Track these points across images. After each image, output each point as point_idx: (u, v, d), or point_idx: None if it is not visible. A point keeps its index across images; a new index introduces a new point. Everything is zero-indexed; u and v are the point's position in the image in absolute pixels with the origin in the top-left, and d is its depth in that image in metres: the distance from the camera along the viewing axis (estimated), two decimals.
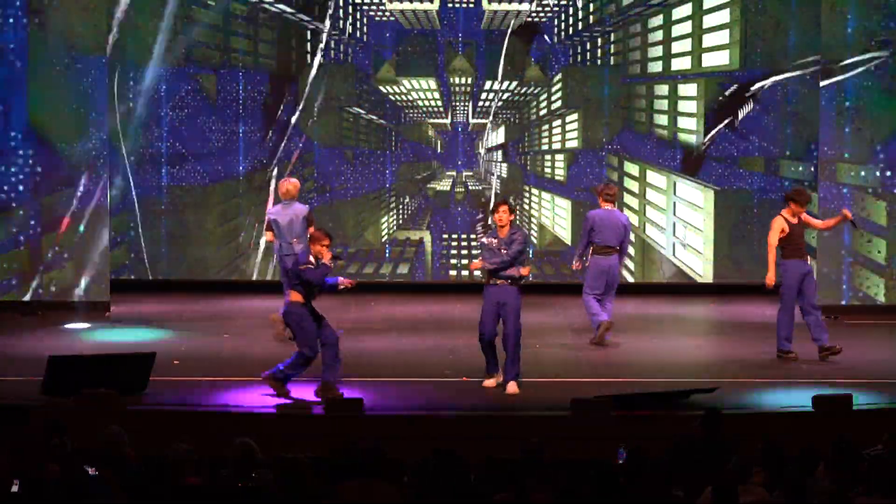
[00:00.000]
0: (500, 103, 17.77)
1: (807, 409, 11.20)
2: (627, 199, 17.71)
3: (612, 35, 17.70)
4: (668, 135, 17.72)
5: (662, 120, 17.80)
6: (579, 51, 17.69)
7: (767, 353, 13.43)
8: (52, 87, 15.38)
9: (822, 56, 16.00)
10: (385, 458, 7.83)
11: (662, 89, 17.78)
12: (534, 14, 17.59)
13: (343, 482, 7.58)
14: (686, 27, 17.55)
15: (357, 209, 17.87)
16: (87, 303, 15.60)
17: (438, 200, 18.01)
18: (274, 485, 7.55)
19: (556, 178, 17.91)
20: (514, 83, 17.78)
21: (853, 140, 15.75)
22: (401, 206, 17.97)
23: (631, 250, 17.66)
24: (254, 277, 17.58)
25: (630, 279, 17.58)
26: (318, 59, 17.42)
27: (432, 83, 17.78)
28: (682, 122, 17.70)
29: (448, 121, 17.91)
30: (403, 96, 17.79)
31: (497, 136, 17.96)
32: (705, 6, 17.47)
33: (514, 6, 17.54)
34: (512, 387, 11.90)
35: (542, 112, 17.89)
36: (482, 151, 17.93)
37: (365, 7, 17.53)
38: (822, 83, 15.88)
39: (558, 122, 17.86)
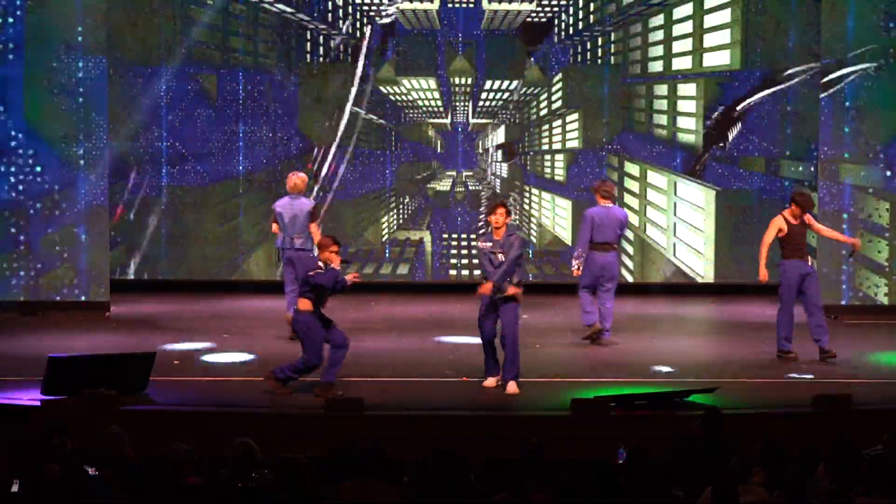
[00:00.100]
0: (500, 103, 17.78)
1: (807, 409, 11.20)
2: (628, 199, 17.71)
3: (613, 35, 17.69)
4: (667, 135, 17.72)
5: (662, 120, 17.81)
6: (579, 51, 17.69)
7: (767, 353, 13.43)
8: (51, 86, 15.38)
9: (823, 56, 16.00)
10: (385, 458, 7.83)
11: (663, 89, 17.78)
12: (534, 14, 17.59)
13: (343, 482, 7.58)
14: (687, 27, 17.55)
15: (357, 209, 17.87)
16: (87, 303, 15.61)
17: (438, 200, 18.01)
18: (274, 485, 7.55)
19: (556, 178, 17.92)
20: (515, 83, 17.79)
21: (853, 140, 15.75)
22: (401, 206, 17.97)
23: (629, 248, 17.69)
24: (254, 277, 17.58)
25: (630, 279, 17.58)
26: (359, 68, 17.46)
27: (432, 83, 17.79)
28: (683, 123, 17.69)
29: (448, 121, 17.91)
30: (403, 96, 17.79)
31: (497, 136, 17.96)
32: (706, 6, 17.47)
33: (515, 6, 17.55)
34: (512, 387, 11.89)
35: (543, 112, 17.89)
36: (490, 150, 17.92)
37: (365, 7, 17.53)
38: (823, 84, 15.90)
39: (558, 122, 17.86)
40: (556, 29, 17.66)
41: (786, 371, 12.82)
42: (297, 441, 9.77)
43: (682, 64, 17.62)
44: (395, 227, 17.98)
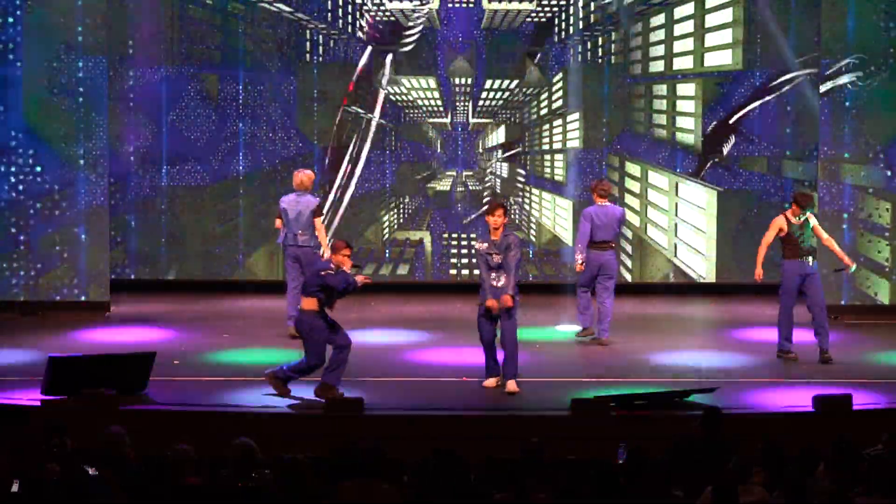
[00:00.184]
0: (500, 103, 17.77)
1: (807, 409, 11.20)
2: (629, 199, 17.70)
3: (613, 34, 17.68)
4: (668, 135, 17.70)
5: (663, 120, 17.79)
6: (579, 50, 17.68)
7: (767, 353, 13.43)
8: (51, 86, 15.38)
9: (823, 56, 15.99)
10: (385, 458, 7.84)
11: (663, 89, 17.77)
12: (534, 14, 17.58)
13: (343, 482, 7.59)
14: (688, 26, 17.54)
15: (357, 209, 17.85)
16: (87, 303, 15.61)
17: (438, 200, 18.00)
18: (274, 485, 7.56)
19: (556, 178, 17.91)
20: (515, 83, 17.78)
21: (853, 140, 15.75)
22: (401, 206, 17.96)
23: (628, 247, 17.68)
24: (254, 277, 17.57)
25: (629, 278, 17.57)
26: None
27: (432, 83, 17.78)
28: (684, 123, 17.68)
29: (448, 121, 17.90)
30: (403, 96, 17.78)
31: (497, 136, 17.95)
32: (707, 5, 17.46)
33: (515, 6, 17.54)
34: (511, 385, 11.91)
35: (543, 112, 17.88)
36: (495, 153, 17.92)
37: (365, 7, 17.51)
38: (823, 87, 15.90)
39: (559, 121, 17.85)
40: (556, 29, 17.64)
41: (786, 371, 12.83)
42: (297, 441, 9.78)
43: (683, 64, 17.60)
44: (395, 227, 17.97)
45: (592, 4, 17.58)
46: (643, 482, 7.48)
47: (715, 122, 17.41)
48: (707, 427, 9.20)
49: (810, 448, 8.08)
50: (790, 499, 7.43)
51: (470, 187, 18.01)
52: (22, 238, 15.50)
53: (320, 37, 17.54)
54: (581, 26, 17.60)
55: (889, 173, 15.72)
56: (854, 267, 13.93)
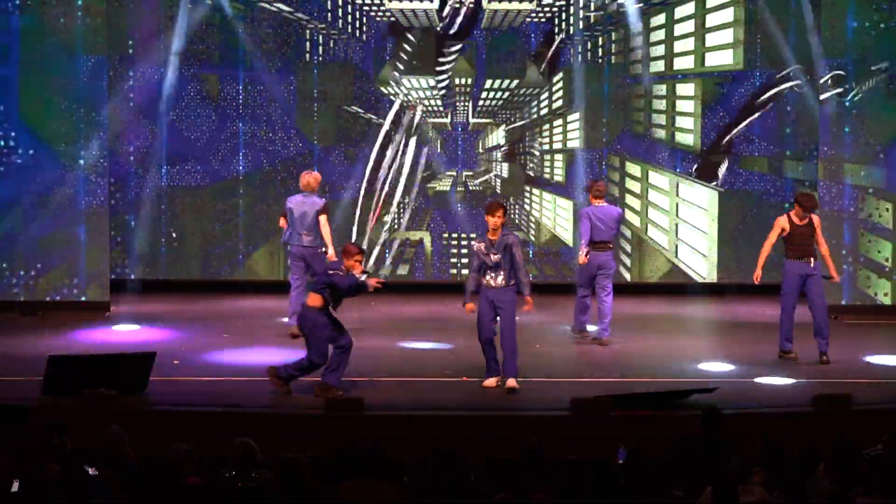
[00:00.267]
0: (500, 103, 17.77)
1: (807, 409, 11.20)
2: (629, 199, 17.70)
3: (613, 34, 17.68)
4: (667, 136, 17.70)
5: (663, 120, 17.79)
6: (580, 50, 17.68)
7: (767, 353, 13.43)
8: (50, 86, 15.38)
9: (824, 56, 16.00)
10: (385, 458, 7.84)
11: (664, 89, 17.77)
12: (534, 14, 17.58)
13: (343, 482, 7.58)
14: (689, 26, 17.53)
15: (356, 209, 17.84)
16: (87, 303, 15.61)
17: (438, 200, 18.00)
18: (274, 485, 7.55)
19: (556, 178, 17.91)
20: (515, 83, 17.77)
21: (854, 140, 15.75)
22: (401, 206, 17.96)
23: (627, 247, 17.68)
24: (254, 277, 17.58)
25: (628, 278, 17.57)
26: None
27: (432, 83, 17.78)
28: (684, 123, 17.68)
29: (448, 120, 17.90)
30: (403, 96, 17.77)
31: (497, 136, 17.95)
32: (708, 5, 17.45)
33: (515, 5, 17.53)
34: (511, 382, 11.93)
35: (543, 112, 17.88)
36: (496, 154, 17.92)
37: (365, 7, 17.52)
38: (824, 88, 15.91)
39: (559, 121, 17.85)
40: (556, 29, 17.64)
41: (786, 371, 12.82)
42: (297, 441, 9.78)
43: (683, 63, 17.60)
44: (395, 227, 17.96)
45: (592, 4, 17.58)
46: (643, 482, 7.48)
47: (706, 146, 17.39)
48: (707, 427, 9.19)
49: (810, 448, 8.08)
50: (790, 499, 7.42)
51: (470, 187, 18.01)
52: (22, 238, 15.50)
53: (320, 37, 17.54)
54: (581, 26, 17.60)
55: (889, 173, 15.72)
56: (837, 280, 13.99)
